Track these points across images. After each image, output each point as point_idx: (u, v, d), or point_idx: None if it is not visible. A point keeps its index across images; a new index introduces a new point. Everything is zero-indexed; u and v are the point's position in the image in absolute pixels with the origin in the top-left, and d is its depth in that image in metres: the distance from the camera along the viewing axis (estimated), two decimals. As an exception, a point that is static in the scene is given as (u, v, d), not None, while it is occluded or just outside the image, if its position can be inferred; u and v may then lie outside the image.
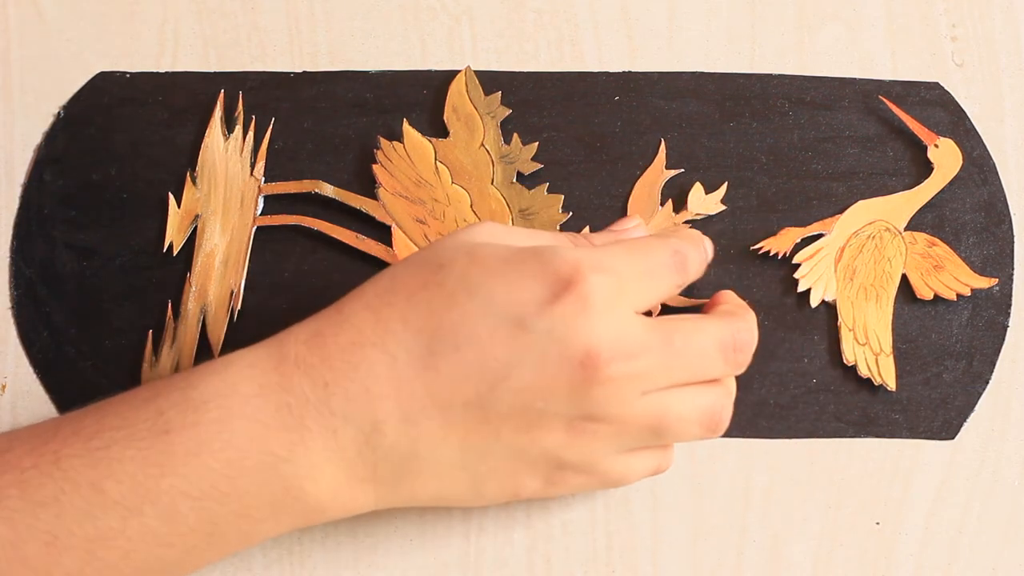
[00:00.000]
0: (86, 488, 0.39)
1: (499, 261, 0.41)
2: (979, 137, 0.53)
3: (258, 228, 0.53)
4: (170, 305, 0.52)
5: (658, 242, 0.44)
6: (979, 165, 0.53)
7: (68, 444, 0.40)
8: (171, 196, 0.53)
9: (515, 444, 0.42)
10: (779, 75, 0.54)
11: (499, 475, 0.43)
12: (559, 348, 0.40)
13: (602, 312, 0.40)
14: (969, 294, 0.52)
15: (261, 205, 0.53)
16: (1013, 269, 0.52)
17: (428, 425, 0.41)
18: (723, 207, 0.52)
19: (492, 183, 0.52)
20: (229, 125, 0.53)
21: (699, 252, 0.46)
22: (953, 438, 0.51)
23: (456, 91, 0.53)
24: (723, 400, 0.45)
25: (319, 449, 0.41)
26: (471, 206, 0.52)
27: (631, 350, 0.41)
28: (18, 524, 0.39)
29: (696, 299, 0.51)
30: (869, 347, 0.51)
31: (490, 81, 0.53)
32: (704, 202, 0.52)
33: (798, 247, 0.52)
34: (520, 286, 0.40)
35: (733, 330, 0.44)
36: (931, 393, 0.52)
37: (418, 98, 0.54)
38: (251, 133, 0.53)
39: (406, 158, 0.53)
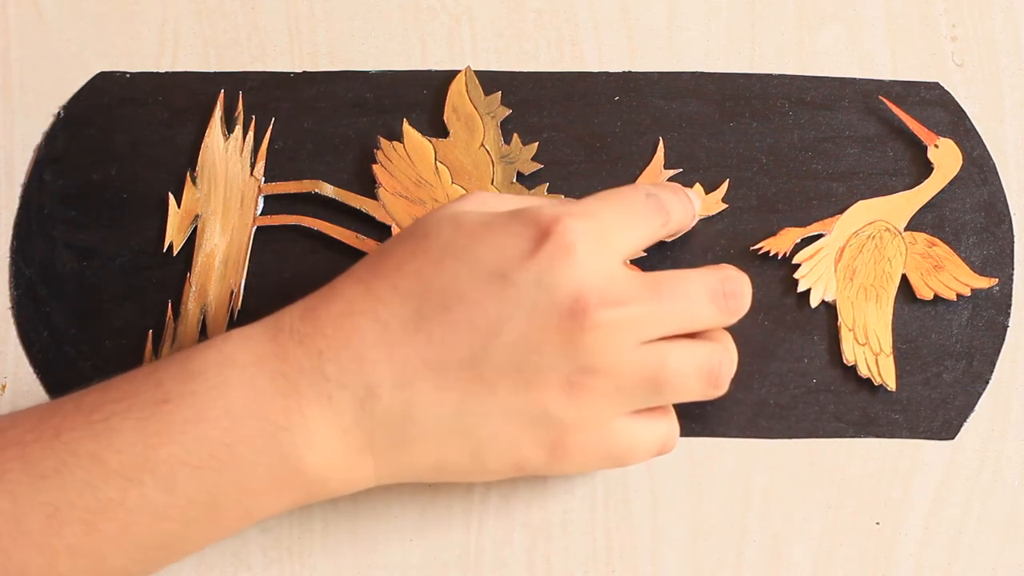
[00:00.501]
0: (86, 459, 0.40)
1: (482, 224, 0.42)
2: (979, 137, 0.53)
3: (258, 228, 0.53)
4: (170, 305, 0.52)
5: (630, 188, 0.46)
6: (979, 165, 0.53)
7: (69, 418, 0.41)
8: (171, 196, 0.53)
9: (513, 404, 0.42)
10: (779, 75, 0.54)
11: (499, 441, 0.43)
12: (547, 297, 0.40)
13: (586, 257, 0.41)
14: (969, 294, 0.52)
15: (261, 205, 0.53)
16: (1013, 269, 0.52)
17: (422, 387, 0.41)
18: (723, 207, 0.52)
19: (492, 183, 0.52)
20: (229, 125, 0.53)
21: (676, 196, 0.47)
22: (953, 438, 0.51)
23: (456, 91, 0.53)
24: (720, 355, 0.45)
25: (315, 416, 0.41)
26: (471, 206, 0.52)
27: (619, 296, 0.41)
28: (20, 497, 0.39)
29: None
30: (869, 347, 0.51)
31: (490, 81, 0.53)
32: (704, 202, 0.52)
33: (798, 247, 0.52)
34: (503, 243, 0.41)
35: (720, 277, 0.45)
36: (931, 393, 0.52)
37: (418, 98, 0.54)
38: (251, 133, 0.53)
39: (406, 158, 0.53)
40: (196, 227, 0.53)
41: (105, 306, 0.53)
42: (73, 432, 0.40)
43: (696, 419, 0.51)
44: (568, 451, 0.43)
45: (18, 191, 0.54)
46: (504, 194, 0.48)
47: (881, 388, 0.51)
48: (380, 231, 0.52)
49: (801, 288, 0.52)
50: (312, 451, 0.41)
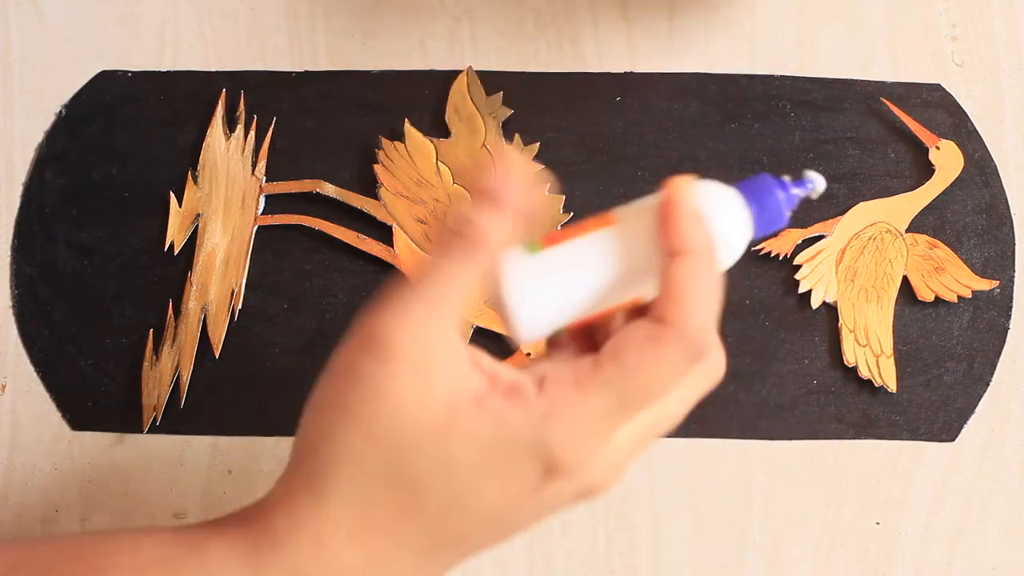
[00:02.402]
0: None
1: (481, 473, 0.37)
2: (980, 139, 0.53)
3: (259, 227, 0.53)
4: (171, 304, 0.52)
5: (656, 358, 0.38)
6: (980, 167, 0.53)
7: None
8: (172, 195, 0.53)
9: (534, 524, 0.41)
10: (781, 76, 0.54)
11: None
12: (562, 501, 0.39)
13: (590, 466, 0.38)
14: (970, 296, 0.52)
15: (262, 204, 0.53)
16: (1014, 271, 0.52)
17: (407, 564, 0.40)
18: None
19: (493, 183, 0.52)
20: (231, 124, 0.53)
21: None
22: (953, 440, 0.52)
23: (458, 91, 0.53)
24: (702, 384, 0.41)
25: None
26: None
27: (622, 468, 0.40)
28: None
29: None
30: (870, 348, 0.51)
31: (492, 81, 0.53)
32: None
33: (799, 248, 0.52)
34: (515, 491, 0.38)
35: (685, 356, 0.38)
36: (931, 395, 0.52)
37: (419, 98, 0.54)
38: (252, 133, 0.53)
39: (407, 158, 0.53)
40: (197, 226, 0.53)
41: (106, 305, 0.53)
42: None
43: (696, 420, 0.51)
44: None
45: (19, 190, 0.54)
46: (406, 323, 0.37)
47: (882, 389, 0.51)
48: (381, 231, 0.52)
49: (802, 289, 0.52)
50: None
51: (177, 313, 0.52)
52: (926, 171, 0.53)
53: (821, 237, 0.52)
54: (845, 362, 0.51)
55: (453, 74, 0.53)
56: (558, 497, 0.38)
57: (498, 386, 0.37)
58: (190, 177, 0.53)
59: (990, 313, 0.52)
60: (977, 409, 0.52)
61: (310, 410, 0.38)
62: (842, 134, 0.53)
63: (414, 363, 0.36)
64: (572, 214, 0.52)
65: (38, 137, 0.54)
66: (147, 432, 0.52)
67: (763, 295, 0.52)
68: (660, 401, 0.37)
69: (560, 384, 0.37)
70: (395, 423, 0.36)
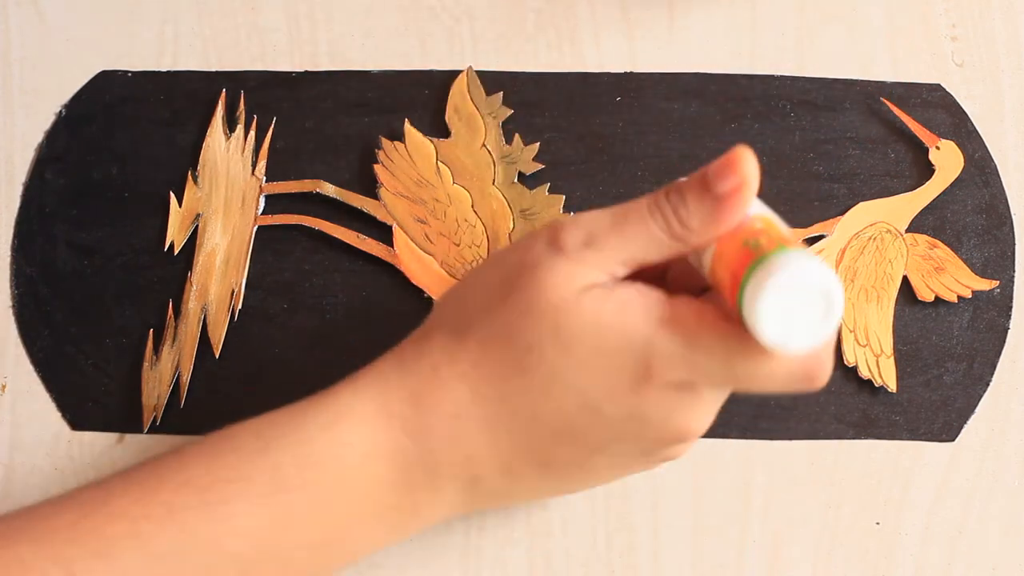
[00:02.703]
0: (204, 542, 0.40)
1: (589, 352, 0.40)
2: (980, 139, 0.53)
3: (259, 227, 0.53)
4: (171, 304, 0.52)
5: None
6: (980, 167, 0.53)
7: (180, 495, 0.40)
8: (172, 195, 0.53)
9: (613, 472, 0.44)
10: (781, 76, 0.54)
11: (599, 482, 0.46)
12: (656, 428, 0.41)
13: (689, 400, 0.40)
14: (970, 296, 0.52)
15: (262, 204, 0.53)
16: (1014, 271, 0.52)
17: (526, 471, 0.43)
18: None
19: (493, 183, 0.52)
20: (231, 124, 0.53)
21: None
22: (953, 440, 0.51)
23: (458, 91, 0.53)
24: None
25: (425, 500, 0.43)
26: (472, 206, 0.52)
27: (712, 410, 0.42)
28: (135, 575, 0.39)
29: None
30: (870, 348, 0.51)
31: (492, 81, 0.53)
32: None
33: (799, 248, 0.52)
34: (612, 380, 0.40)
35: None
36: (931, 395, 0.52)
37: (419, 98, 0.54)
38: (252, 132, 0.53)
39: (407, 158, 0.53)
40: (197, 226, 0.53)
41: (106, 305, 0.53)
42: (187, 512, 0.40)
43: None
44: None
45: (19, 190, 0.54)
46: (583, 241, 0.41)
47: (882, 389, 0.51)
48: (381, 231, 0.52)
49: (802, 289, 0.52)
50: (417, 519, 0.43)
51: (177, 313, 0.52)
52: (926, 171, 0.53)
53: (821, 237, 0.52)
54: (845, 362, 0.51)
55: (453, 74, 0.53)
56: (646, 418, 0.40)
57: (635, 283, 0.40)
58: (190, 177, 0.53)
59: (990, 313, 0.52)
60: (977, 409, 0.52)
61: (483, 265, 0.44)
62: (842, 134, 0.53)
63: (572, 260, 0.40)
64: (572, 214, 0.52)
65: (38, 137, 0.54)
66: (147, 432, 0.52)
67: (763, 295, 0.52)
68: (749, 387, 0.39)
69: (688, 307, 0.39)
70: (534, 292, 0.40)
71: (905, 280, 0.52)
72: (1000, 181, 0.53)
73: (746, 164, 0.39)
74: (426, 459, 0.42)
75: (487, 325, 0.41)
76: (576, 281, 0.40)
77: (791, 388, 0.39)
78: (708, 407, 0.41)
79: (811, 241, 0.52)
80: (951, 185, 0.52)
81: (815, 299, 0.36)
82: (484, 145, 0.53)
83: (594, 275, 0.40)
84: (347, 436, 0.42)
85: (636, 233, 0.40)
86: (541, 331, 0.40)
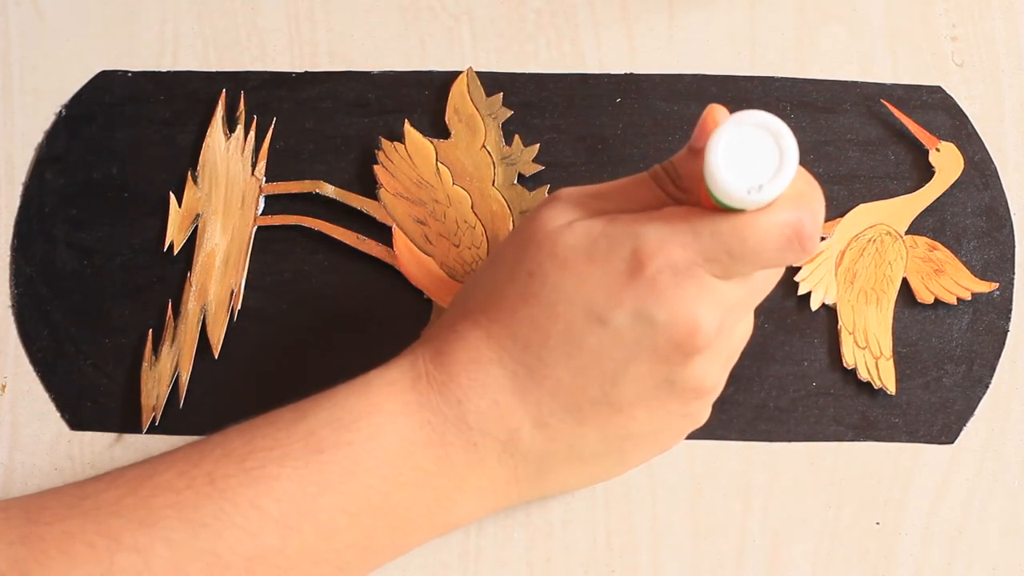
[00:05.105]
0: (245, 507, 0.40)
1: (583, 260, 0.41)
2: (980, 141, 0.53)
3: (259, 228, 0.53)
4: (170, 304, 0.52)
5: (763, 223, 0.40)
6: (980, 169, 0.53)
7: (221, 465, 0.41)
8: (172, 195, 0.53)
9: (654, 419, 0.43)
10: (781, 78, 0.54)
11: (644, 445, 0.45)
12: (666, 328, 0.40)
13: (689, 286, 0.40)
14: (970, 298, 0.52)
15: (262, 205, 0.53)
16: (1014, 273, 0.52)
17: (561, 425, 0.43)
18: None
19: (493, 184, 0.52)
20: (231, 125, 0.53)
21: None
22: (953, 442, 0.51)
23: (458, 92, 0.53)
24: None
25: (463, 462, 0.43)
26: (472, 207, 0.52)
27: (721, 320, 0.41)
28: (179, 544, 0.39)
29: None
30: (869, 351, 0.51)
31: (492, 82, 0.53)
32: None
33: (799, 249, 0.52)
34: (609, 283, 0.40)
35: (789, 221, 0.39)
36: (931, 397, 0.52)
37: (419, 99, 0.54)
38: (252, 133, 0.53)
39: (407, 159, 0.53)
40: (197, 226, 0.53)
41: (105, 305, 0.53)
42: (228, 479, 0.40)
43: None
44: (700, 420, 0.46)
45: (19, 190, 0.54)
46: (589, 196, 0.43)
47: (881, 392, 0.51)
48: (381, 232, 0.52)
49: (801, 291, 0.52)
50: (462, 492, 0.43)
51: (176, 313, 0.52)
52: (926, 173, 0.53)
53: (821, 239, 0.52)
54: (844, 364, 0.51)
55: (453, 75, 0.53)
56: (652, 317, 0.40)
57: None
58: (190, 177, 0.53)
59: (990, 315, 0.52)
60: (976, 411, 0.52)
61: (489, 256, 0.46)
62: (842, 136, 0.53)
63: (573, 201, 0.42)
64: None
65: (38, 137, 0.54)
66: (146, 432, 0.52)
67: (762, 297, 0.52)
68: (745, 258, 0.39)
69: (670, 208, 0.41)
70: (534, 227, 0.42)
71: (905, 282, 0.52)
72: (1000, 183, 0.53)
73: (716, 114, 0.41)
74: (455, 411, 0.42)
75: (492, 277, 0.43)
76: (574, 214, 0.42)
77: (787, 252, 0.39)
78: (713, 297, 0.40)
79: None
80: (951, 187, 0.52)
81: (767, 144, 0.37)
82: (484, 146, 0.53)
83: (592, 214, 0.42)
84: (376, 397, 0.42)
85: (637, 192, 0.42)
86: (540, 256, 0.41)
